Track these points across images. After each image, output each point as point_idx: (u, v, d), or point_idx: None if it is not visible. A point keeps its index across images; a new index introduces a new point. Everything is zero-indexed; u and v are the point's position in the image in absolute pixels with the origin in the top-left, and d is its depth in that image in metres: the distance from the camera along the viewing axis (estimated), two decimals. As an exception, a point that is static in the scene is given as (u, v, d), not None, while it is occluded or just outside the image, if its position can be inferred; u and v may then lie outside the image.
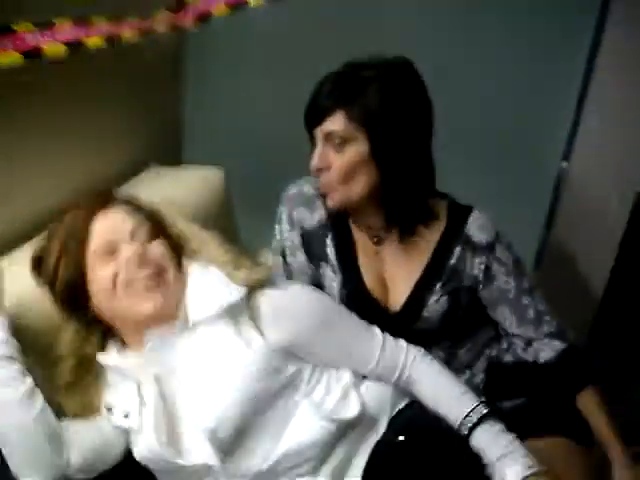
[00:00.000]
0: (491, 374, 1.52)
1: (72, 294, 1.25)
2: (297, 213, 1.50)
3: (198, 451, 1.19)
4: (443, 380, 1.32)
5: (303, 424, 1.21)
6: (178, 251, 1.32)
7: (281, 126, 1.90)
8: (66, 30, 1.48)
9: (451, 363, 1.48)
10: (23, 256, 1.35)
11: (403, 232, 1.43)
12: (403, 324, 1.42)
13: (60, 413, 1.22)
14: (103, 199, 1.30)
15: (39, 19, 1.42)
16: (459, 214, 1.45)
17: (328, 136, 1.32)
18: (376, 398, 1.29)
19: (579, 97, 2.04)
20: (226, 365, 1.20)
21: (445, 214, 1.45)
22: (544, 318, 1.46)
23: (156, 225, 1.31)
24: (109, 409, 1.25)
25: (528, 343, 1.47)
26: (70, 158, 1.71)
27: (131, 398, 1.23)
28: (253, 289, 1.28)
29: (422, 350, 1.33)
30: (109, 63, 1.72)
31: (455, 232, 1.43)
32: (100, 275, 1.22)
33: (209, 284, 1.26)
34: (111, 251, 1.22)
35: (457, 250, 1.43)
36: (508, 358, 1.52)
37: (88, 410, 1.25)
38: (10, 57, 1.32)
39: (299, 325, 1.27)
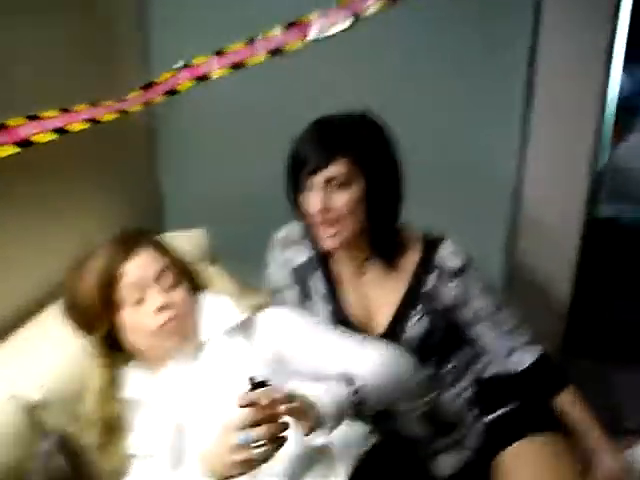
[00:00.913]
0: (479, 388, 1.61)
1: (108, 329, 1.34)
2: (288, 253, 1.62)
3: None
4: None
5: None
6: (195, 287, 1.44)
7: (257, 184, 2.03)
8: (54, 119, 1.60)
9: (438, 380, 1.59)
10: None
11: (386, 260, 1.54)
12: None
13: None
14: (132, 239, 1.38)
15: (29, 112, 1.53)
16: (432, 243, 1.54)
17: (329, 180, 1.40)
18: (342, 437, 1.30)
19: (522, 120, 2.15)
20: (228, 383, 1.30)
21: (420, 244, 1.55)
22: (518, 329, 1.58)
23: (180, 269, 1.41)
24: (135, 455, 1.32)
25: (509, 353, 1.57)
26: (51, 235, 1.74)
27: (154, 437, 1.31)
28: (254, 312, 1.42)
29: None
30: (87, 143, 1.80)
31: (429, 260, 1.53)
32: (127, 314, 1.32)
33: (217, 309, 1.40)
34: (140, 290, 1.32)
35: (432, 277, 1.52)
36: (492, 370, 1.62)
37: (123, 461, 1.33)
38: (6, 150, 1.43)
39: (282, 334, 1.38)
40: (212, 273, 1.54)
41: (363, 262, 1.57)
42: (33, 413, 1.32)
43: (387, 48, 2.14)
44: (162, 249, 1.41)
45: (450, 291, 1.53)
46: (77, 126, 1.65)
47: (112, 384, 1.39)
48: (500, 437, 1.54)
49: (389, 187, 1.47)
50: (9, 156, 1.43)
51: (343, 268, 1.60)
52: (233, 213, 2.29)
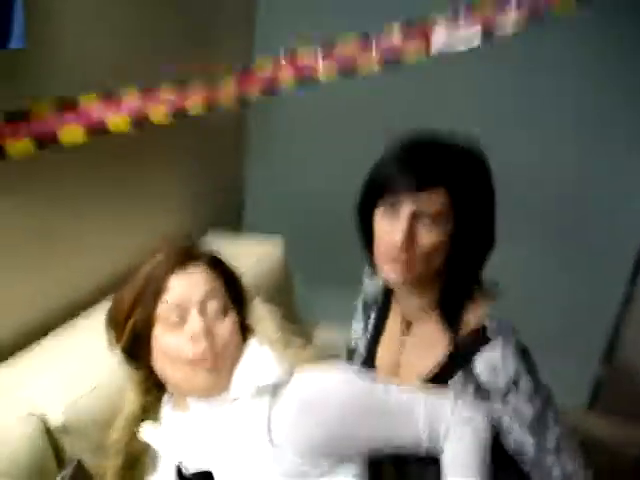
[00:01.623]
0: None
1: (138, 342, 1.20)
2: (365, 286, 1.50)
3: None
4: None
5: None
6: (244, 327, 1.27)
7: (344, 196, 1.86)
8: (132, 101, 1.47)
9: None
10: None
11: (448, 314, 1.29)
12: None
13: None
14: (186, 251, 1.23)
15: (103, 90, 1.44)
16: (478, 339, 1.25)
17: (419, 213, 1.21)
18: None
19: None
20: (239, 457, 1.16)
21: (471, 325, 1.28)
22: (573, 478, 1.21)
23: (233, 295, 1.24)
24: None
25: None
26: (128, 222, 1.72)
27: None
28: (296, 369, 1.22)
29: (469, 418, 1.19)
30: (175, 131, 1.73)
31: (463, 355, 1.25)
32: (163, 339, 1.18)
33: (257, 362, 1.21)
34: (181, 311, 1.17)
35: (461, 376, 1.25)
36: None
37: None
38: (74, 134, 1.32)
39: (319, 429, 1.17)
40: (264, 314, 1.37)
41: (414, 314, 1.35)
42: (53, 436, 1.25)
43: (533, 71, 1.94)
44: (218, 269, 1.24)
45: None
46: (158, 113, 1.49)
47: (146, 413, 1.26)
48: None
49: (483, 232, 1.26)
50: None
51: (392, 316, 1.43)
52: (314, 225, 2.19)
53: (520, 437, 1.20)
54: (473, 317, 1.27)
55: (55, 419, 1.26)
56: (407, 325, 1.38)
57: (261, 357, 1.22)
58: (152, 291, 1.18)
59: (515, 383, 1.20)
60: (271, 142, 2.26)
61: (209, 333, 1.16)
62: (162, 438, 1.24)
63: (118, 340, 1.23)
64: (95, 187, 1.60)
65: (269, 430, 1.15)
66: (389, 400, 1.20)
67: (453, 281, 1.29)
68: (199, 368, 1.16)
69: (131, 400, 1.27)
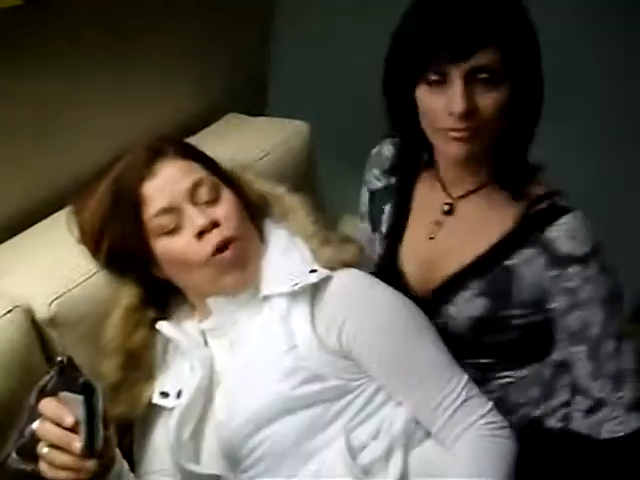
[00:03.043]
0: (528, 438, 1.16)
1: (124, 261, 1.13)
2: (368, 175, 1.41)
3: (211, 460, 1.09)
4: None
5: (327, 470, 1.02)
6: (256, 210, 1.18)
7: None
8: None
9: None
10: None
11: (510, 190, 1.20)
12: (429, 316, 1.19)
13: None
14: (150, 154, 1.12)
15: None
16: (551, 209, 1.18)
17: (474, 73, 1.09)
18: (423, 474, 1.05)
19: None
20: (261, 359, 1.08)
21: (530, 199, 1.20)
22: (627, 380, 1.14)
23: (219, 176, 1.15)
24: (163, 393, 1.12)
25: (595, 407, 1.16)
26: (133, 102, 1.59)
27: (185, 377, 1.12)
28: (334, 270, 1.12)
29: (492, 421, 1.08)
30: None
31: (533, 227, 1.17)
32: (169, 247, 1.08)
33: (290, 258, 1.13)
34: (175, 216, 1.07)
35: (528, 252, 1.16)
36: (553, 423, 1.23)
37: (135, 405, 1.13)
38: None
39: (365, 333, 1.09)
40: (294, 204, 1.23)
41: (459, 194, 1.25)
42: (41, 330, 1.18)
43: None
44: (190, 155, 1.15)
45: (547, 282, 1.15)
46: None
47: (144, 306, 1.17)
48: None
49: (534, 97, 1.16)
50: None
51: (418, 206, 1.31)
52: (344, 109, 2.04)
53: (589, 311, 1.14)
54: (538, 189, 1.20)
55: (42, 311, 1.17)
56: (449, 209, 1.27)
57: (295, 251, 1.14)
58: (127, 206, 1.07)
59: (595, 251, 1.13)
60: (301, 15, 2.09)
61: (215, 223, 1.06)
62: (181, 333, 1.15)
63: (96, 259, 1.14)
64: (95, 59, 1.46)
65: (313, 326, 1.06)
66: (431, 348, 1.11)
67: (512, 150, 1.19)
68: (223, 266, 1.07)
69: (129, 292, 1.17)
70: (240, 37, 1.98)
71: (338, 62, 2.04)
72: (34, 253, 1.26)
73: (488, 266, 1.18)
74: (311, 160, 1.88)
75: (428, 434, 1.07)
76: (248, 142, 1.73)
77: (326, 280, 1.10)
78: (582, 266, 1.12)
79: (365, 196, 1.42)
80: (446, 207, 1.25)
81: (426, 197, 1.31)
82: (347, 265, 1.14)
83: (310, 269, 1.09)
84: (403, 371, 1.07)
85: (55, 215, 1.36)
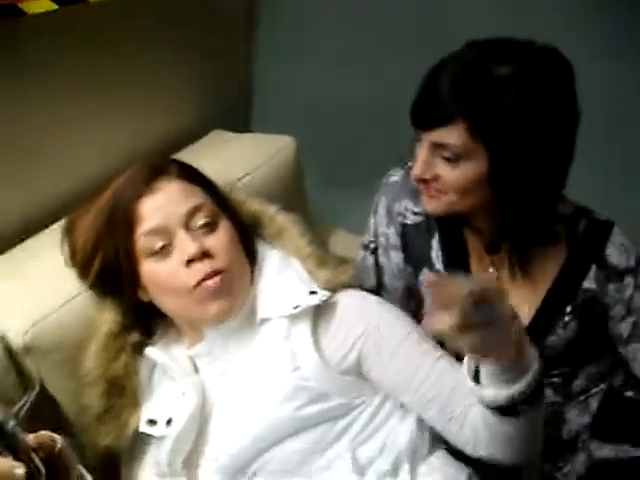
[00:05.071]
0: (606, 405, 1.33)
1: (112, 280, 1.10)
2: (399, 206, 1.33)
3: None
4: None
5: None
6: (249, 235, 1.16)
7: (368, 92, 1.73)
8: None
9: (565, 388, 1.32)
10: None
11: (519, 250, 1.24)
12: None
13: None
14: (151, 171, 1.09)
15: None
16: (597, 229, 1.24)
17: (438, 146, 1.12)
18: None
19: None
20: (259, 383, 1.06)
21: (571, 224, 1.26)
22: None
23: (218, 201, 1.13)
24: (152, 421, 1.09)
25: None
26: (117, 118, 1.57)
27: (175, 404, 1.09)
28: (334, 292, 1.11)
29: None
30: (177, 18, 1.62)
31: (592, 249, 1.23)
32: (156, 271, 1.06)
33: (287, 280, 1.11)
34: (166, 238, 1.05)
35: (593, 270, 1.23)
36: (630, 394, 1.33)
37: (122, 434, 1.10)
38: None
39: (379, 350, 1.07)
40: (286, 223, 1.21)
41: (494, 237, 1.26)
42: (16, 358, 1.15)
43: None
44: (193, 178, 1.12)
45: (608, 295, 1.24)
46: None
47: (125, 332, 1.15)
48: None
49: (532, 173, 1.13)
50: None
51: (471, 240, 1.30)
52: (329, 126, 2.00)
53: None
54: (563, 207, 1.24)
55: (17, 338, 1.13)
56: (492, 247, 1.29)
57: (291, 272, 1.12)
58: (122, 222, 1.04)
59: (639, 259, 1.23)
60: (283, 35, 2.07)
61: (203, 252, 1.03)
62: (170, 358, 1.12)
63: (84, 278, 1.12)
64: (80, 77, 1.45)
65: (317, 349, 1.05)
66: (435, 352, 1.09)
67: (515, 214, 1.19)
68: (207, 294, 1.04)
69: (107, 319, 1.14)
70: (224, 53, 1.97)
71: (323, 77, 2.02)
72: (9, 277, 1.23)
73: (569, 290, 1.24)
74: (298, 175, 1.85)
75: (434, 446, 1.07)
76: (234, 158, 1.70)
77: (327, 301, 1.08)
78: (633, 276, 1.22)
79: (381, 228, 1.37)
80: (488, 246, 1.27)
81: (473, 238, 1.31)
82: (345, 286, 1.13)
83: (310, 290, 1.08)
84: (419, 381, 1.05)
85: (28, 241, 1.34)
